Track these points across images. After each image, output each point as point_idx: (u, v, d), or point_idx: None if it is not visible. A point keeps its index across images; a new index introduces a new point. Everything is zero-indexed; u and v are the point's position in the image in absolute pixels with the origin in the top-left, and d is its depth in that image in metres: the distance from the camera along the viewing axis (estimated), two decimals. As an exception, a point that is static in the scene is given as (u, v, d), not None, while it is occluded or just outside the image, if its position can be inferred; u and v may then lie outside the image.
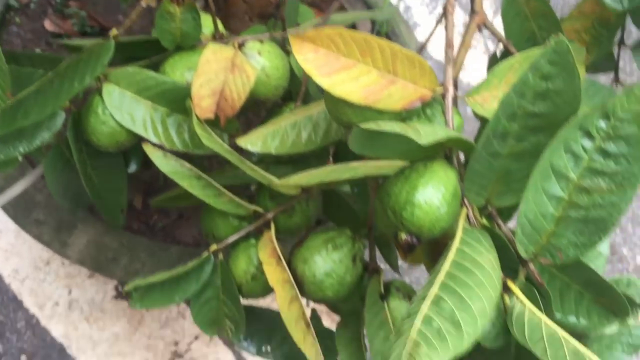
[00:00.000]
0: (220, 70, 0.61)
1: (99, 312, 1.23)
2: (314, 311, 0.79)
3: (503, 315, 0.40)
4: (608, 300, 0.49)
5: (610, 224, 0.39)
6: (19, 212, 1.00)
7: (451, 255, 0.39)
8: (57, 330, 1.21)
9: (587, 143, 0.39)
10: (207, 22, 0.69)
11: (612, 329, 0.52)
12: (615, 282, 0.56)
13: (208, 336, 1.25)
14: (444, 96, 0.49)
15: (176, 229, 1.05)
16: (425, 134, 0.38)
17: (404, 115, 0.49)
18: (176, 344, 1.24)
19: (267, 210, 0.65)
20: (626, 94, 0.37)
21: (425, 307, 0.36)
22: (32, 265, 1.25)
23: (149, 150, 0.62)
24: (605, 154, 0.39)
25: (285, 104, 0.73)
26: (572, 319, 0.50)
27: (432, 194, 0.43)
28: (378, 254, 0.67)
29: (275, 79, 0.68)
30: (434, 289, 0.37)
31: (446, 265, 0.39)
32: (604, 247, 0.61)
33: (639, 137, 0.37)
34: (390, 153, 0.43)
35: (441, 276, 0.38)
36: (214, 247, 0.66)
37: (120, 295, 1.25)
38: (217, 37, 0.67)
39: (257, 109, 0.71)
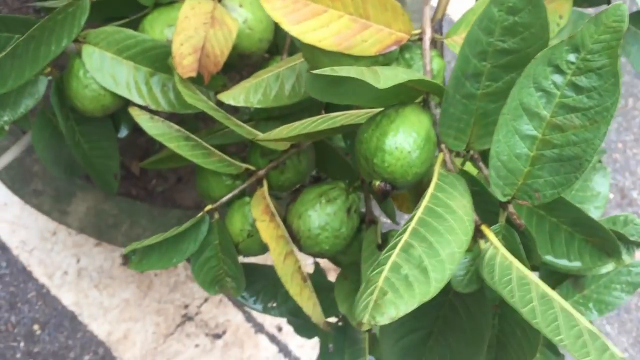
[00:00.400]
0: (200, 25, 0.61)
1: (108, 279, 1.26)
2: (317, 265, 0.81)
3: (477, 260, 0.41)
4: (599, 240, 0.49)
5: (585, 161, 0.39)
6: (17, 183, 1.02)
7: (425, 201, 0.40)
8: (67, 298, 1.24)
9: (558, 78, 0.39)
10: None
11: (607, 268, 0.53)
12: (612, 221, 0.57)
13: (218, 297, 1.28)
14: (421, 39, 0.49)
15: (176, 193, 1.07)
16: (384, 77, 0.38)
17: (381, 60, 0.49)
18: (186, 306, 1.26)
19: (259, 168, 0.66)
20: (595, 24, 0.37)
21: (394, 255, 0.36)
22: (39, 236, 1.27)
23: (135, 113, 0.63)
24: (577, 88, 0.39)
25: (272, 58, 0.73)
26: (563, 261, 0.50)
27: (402, 140, 0.44)
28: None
29: (259, 32, 0.68)
30: (405, 236, 0.38)
31: (419, 212, 0.39)
32: (603, 187, 0.61)
33: (610, 68, 0.37)
34: (358, 99, 0.43)
35: (413, 223, 0.38)
36: (208, 206, 0.67)
37: (128, 261, 1.28)
38: (195, -9, 0.67)
39: (251, 66, 0.71)
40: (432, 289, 0.35)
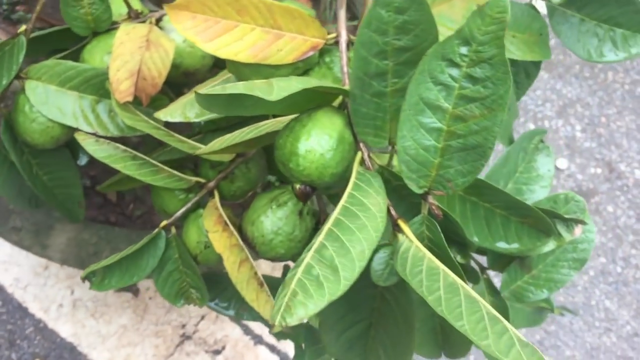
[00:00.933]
0: (136, 50, 0.63)
1: (104, 307, 1.29)
2: (287, 267, 0.83)
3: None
4: (533, 221, 0.51)
5: (488, 148, 0.41)
6: (-4, 222, 1.05)
7: (342, 201, 0.42)
8: (65, 330, 1.27)
9: (454, 71, 0.40)
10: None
11: (549, 246, 0.54)
12: (553, 199, 0.58)
13: (214, 314, 1.30)
14: (338, 42, 0.51)
15: (154, 215, 1.09)
16: (278, 89, 0.40)
17: (301, 66, 0.51)
18: (183, 326, 1.28)
19: (209, 180, 0.69)
20: (480, 17, 0.39)
21: (308, 257, 0.38)
22: (31, 271, 1.30)
23: (80, 138, 0.65)
24: (473, 79, 0.40)
25: (221, 71, 0.75)
26: (501, 244, 0.52)
27: (314, 142, 0.46)
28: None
29: (200, 49, 0.70)
30: (320, 237, 0.39)
31: (336, 211, 0.41)
32: (547, 167, 0.63)
33: (499, 58, 0.39)
34: (269, 109, 0.45)
35: (329, 224, 0.40)
36: (163, 222, 0.69)
37: (121, 287, 1.30)
38: (132, 15, 0.69)
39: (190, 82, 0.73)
40: (342, 286, 0.37)
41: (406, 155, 0.42)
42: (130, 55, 0.63)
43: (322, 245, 0.39)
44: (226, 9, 0.48)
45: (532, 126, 1.49)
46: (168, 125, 0.66)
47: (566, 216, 0.52)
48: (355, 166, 0.45)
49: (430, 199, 0.44)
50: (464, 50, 0.40)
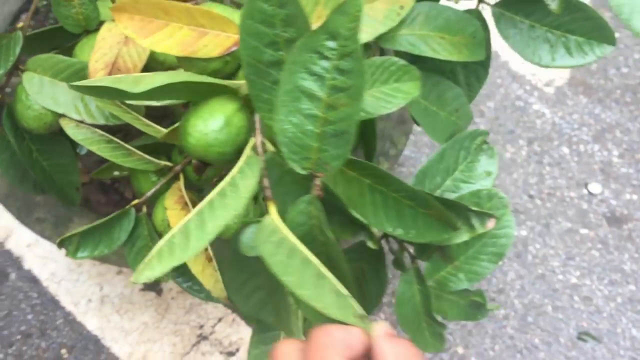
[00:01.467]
0: (115, 44, 0.73)
1: (129, 304, 1.38)
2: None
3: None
4: (437, 213, 0.56)
5: (351, 135, 0.47)
6: (23, 212, 1.16)
7: (223, 182, 0.49)
8: (91, 324, 1.37)
9: (325, 64, 0.47)
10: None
11: (462, 238, 0.60)
12: (477, 195, 0.64)
13: (231, 317, 1.38)
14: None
15: (164, 211, 1.19)
16: (145, 83, 0.49)
17: (229, 60, 0.60)
18: (201, 327, 1.36)
19: (177, 164, 0.78)
20: (342, 14, 0.45)
21: (176, 228, 0.46)
22: (66, 268, 1.42)
23: (64, 122, 0.76)
24: (340, 71, 0.47)
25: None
26: (412, 234, 0.58)
27: (201, 124, 0.56)
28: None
29: None
30: (192, 213, 0.47)
31: (215, 191, 0.49)
32: (490, 167, 0.68)
33: (357, 53, 0.46)
34: (154, 97, 0.54)
35: (205, 201, 0.48)
36: (135, 201, 0.79)
37: (147, 287, 1.40)
38: (121, 16, 0.80)
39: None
40: (189, 254, 0.45)
41: (284, 138, 0.49)
42: (109, 48, 0.73)
43: (190, 219, 0.47)
44: (155, 11, 0.57)
45: (566, 150, 1.51)
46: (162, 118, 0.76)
47: (476, 209, 0.58)
48: (247, 151, 0.52)
49: (317, 182, 0.51)
50: (332, 44, 0.47)
